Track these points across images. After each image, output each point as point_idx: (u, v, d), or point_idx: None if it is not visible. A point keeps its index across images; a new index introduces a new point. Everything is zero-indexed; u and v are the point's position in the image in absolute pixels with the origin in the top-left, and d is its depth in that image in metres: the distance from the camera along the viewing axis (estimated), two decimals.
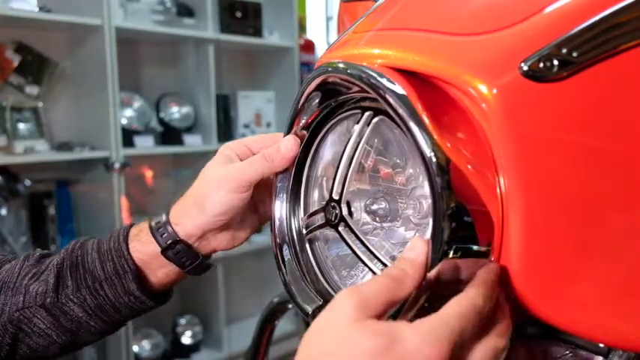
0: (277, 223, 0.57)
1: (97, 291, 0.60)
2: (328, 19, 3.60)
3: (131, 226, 0.63)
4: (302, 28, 3.27)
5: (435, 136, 0.40)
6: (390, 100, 0.41)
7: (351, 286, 0.38)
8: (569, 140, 0.39)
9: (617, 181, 0.40)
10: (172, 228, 0.59)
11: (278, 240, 0.57)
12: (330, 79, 0.49)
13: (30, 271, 0.62)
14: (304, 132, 0.55)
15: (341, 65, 0.46)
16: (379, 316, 0.37)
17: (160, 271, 0.61)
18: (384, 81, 0.42)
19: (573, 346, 0.49)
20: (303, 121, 0.54)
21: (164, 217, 0.60)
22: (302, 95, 0.52)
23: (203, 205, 0.58)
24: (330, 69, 0.48)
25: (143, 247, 0.60)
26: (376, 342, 0.35)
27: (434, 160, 0.39)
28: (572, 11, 0.39)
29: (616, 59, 0.38)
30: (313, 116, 0.53)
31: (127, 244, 0.60)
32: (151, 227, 0.60)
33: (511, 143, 0.39)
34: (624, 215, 0.40)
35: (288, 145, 0.55)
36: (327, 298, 0.53)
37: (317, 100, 0.52)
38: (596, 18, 0.38)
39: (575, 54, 0.38)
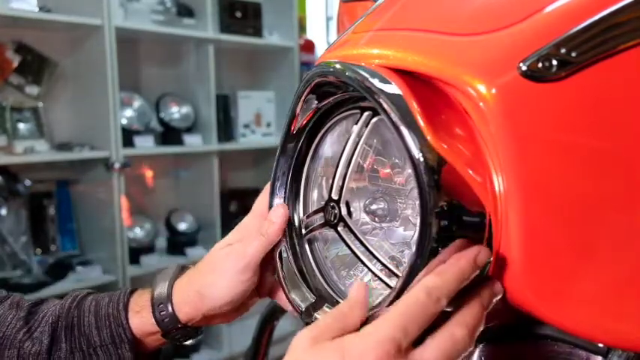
0: None
1: (91, 356, 0.60)
2: (328, 19, 3.61)
3: (131, 293, 0.62)
4: (302, 28, 3.27)
5: (429, 137, 0.40)
6: (382, 101, 0.41)
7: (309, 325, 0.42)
8: (568, 140, 0.39)
9: (617, 180, 0.40)
10: (175, 312, 0.59)
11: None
12: (325, 81, 0.49)
13: (24, 325, 0.61)
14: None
15: (337, 66, 0.46)
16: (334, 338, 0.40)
17: (156, 342, 0.62)
18: (375, 81, 0.42)
19: (573, 346, 0.49)
20: (301, 122, 0.54)
21: (165, 291, 0.59)
22: (298, 98, 0.52)
23: (205, 296, 0.57)
24: (324, 70, 0.48)
25: (143, 322, 0.60)
26: (333, 354, 0.38)
27: (422, 160, 0.39)
28: (571, 11, 0.39)
29: (615, 59, 0.38)
30: (309, 116, 0.53)
31: (126, 313, 0.60)
32: (152, 307, 0.60)
33: (510, 143, 0.39)
34: (623, 215, 0.40)
35: (277, 214, 0.55)
36: (323, 296, 0.53)
37: (314, 102, 0.52)
38: (595, 18, 0.38)
39: (573, 54, 0.38)
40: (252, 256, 0.56)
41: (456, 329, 0.39)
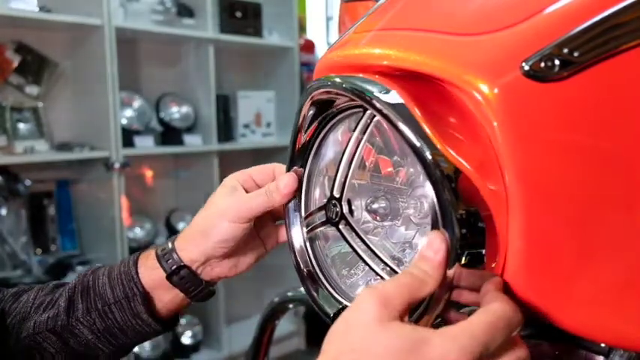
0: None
1: (107, 314, 0.62)
2: (328, 19, 3.60)
3: (142, 252, 0.65)
4: (302, 28, 3.27)
5: (438, 145, 0.40)
6: (389, 114, 0.42)
7: (372, 285, 0.40)
8: (570, 140, 0.39)
9: (619, 180, 0.40)
10: (177, 254, 0.61)
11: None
12: (327, 96, 0.49)
13: (44, 300, 0.65)
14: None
15: (336, 80, 0.47)
16: (402, 315, 0.38)
17: (166, 296, 0.62)
18: (375, 91, 0.43)
19: (574, 346, 0.49)
20: (305, 137, 0.55)
21: (170, 245, 0.62)
22: (299, 113, 0.53)
23: (207, 233, 0.60)
24: (322, 85, 0.48)
25: (150, 273, 0.62)
26: (402, 344, 0.36)
27: (438, 174, 0.40)
28: (573, 11, 0.39)
29: (617, 59, 0.38)
30: (312, 129, 0.54)
31: (136, 269, 0.62)
32: (157, 253, 0.62)
33: (512, 143, 0.39)
34: (626, 215, 0.40)
35: (287, 183, 0.57)
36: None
37: (316, 111, 0.52)
38: (598, 18, 0.38)
39: (576, 54, 0.38)
40: (253, 210, 0.58)
41: (520, 352, 0.39)
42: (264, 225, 0.64)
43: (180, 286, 0.61)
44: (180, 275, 0.61)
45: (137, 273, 0.62)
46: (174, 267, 0.61)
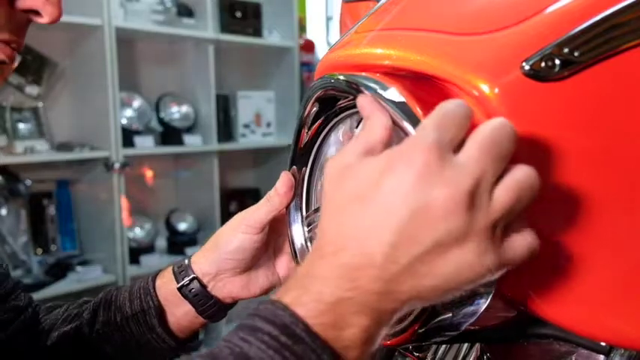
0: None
1: (124, 328, 0.63)
2: (328, 19, 3.60)
3: (164, 268, 0.66)
4: (302, 28, 3.27)
5: None
6: (392, 113, 0.42)
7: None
8: (571, 139, 0.39)
9: (619, 180, 0.40)
10: (191, 268, 0.62)
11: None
12: (330, 93, 0.49)
13: (72, 312, 0.67)
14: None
15: (340, 78, 0.47)
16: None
17: (178, 310, 0.63)
18: (377, 89, 0.43)
19: (574, 345, 0.49)
20: (308, 136, 0.55)
21: (186, 261, 0.64)
22: (303, 110, 0.53)
23: (218, 245, 0.61)
24: (326, 83, 0.48)
25: (165, 285, 0.63)
26: (379, 161, 0.37)
27: None
28: (573, 11, 0.39)
29: (618, 58, 0.38)
30: (315, 128, 0.54)
31: (154, 283, 0.64)
32: (174, 268, 0.64)
33: None
34: (625, 214, 0.40)
35: (282, 183, 0.57)
36: None
37: (319, 110, 0.53)
38: (598, 17, 0.38)
39: (576, 53, 0.38)
40: (259, 217, 0.59)
41: (523, 169, 0.36)
42: (278, 246, 0.64)
43: (190, 298, 0.62)
44: (190, 287, 0.61)
45: (154, 287, 0.63)
46: (186, 278, 0.62)
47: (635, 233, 0.40)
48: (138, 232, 2.46)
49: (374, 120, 0.40)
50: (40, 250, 2.27)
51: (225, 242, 0.60)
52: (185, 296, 0.62)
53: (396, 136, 0.41)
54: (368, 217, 0.36)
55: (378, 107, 0.41)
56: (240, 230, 0.59)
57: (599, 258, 0.41)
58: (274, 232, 0.62)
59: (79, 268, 2.25)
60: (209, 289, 0.62)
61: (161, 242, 2.59)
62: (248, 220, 0.59)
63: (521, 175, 0.36)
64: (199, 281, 0.61)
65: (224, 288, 0.62)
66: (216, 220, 2.60)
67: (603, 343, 0.46)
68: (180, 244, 2.55)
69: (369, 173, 0.37)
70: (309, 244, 0.57)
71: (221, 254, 0.60)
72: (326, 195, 0.39)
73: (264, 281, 0.63)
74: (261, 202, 0.59)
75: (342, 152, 0.40)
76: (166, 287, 0.63)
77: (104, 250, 2.29)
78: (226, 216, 2.68)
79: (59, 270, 2.21)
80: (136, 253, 2.37)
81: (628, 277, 0.41)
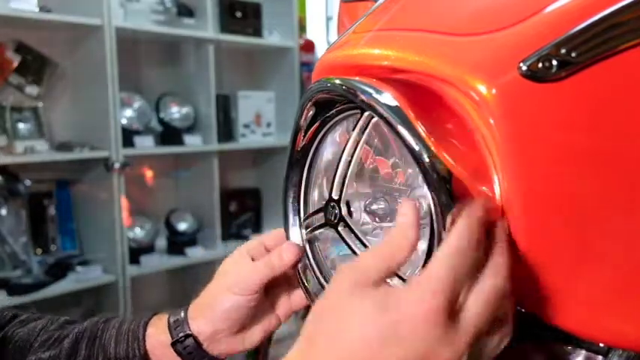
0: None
1: None
2: (328, 19, 3.60)
3: (158, 313, 0.64)
4: (302, 28, 3.27)
5: (433, 148, 0.40)
6: (388, 117, 0.42)
7: (350, 263, 0.40)
8: (569, 140, 0.39)
9: (617, 180, 0.40)
10: (187, 324, 0.61)
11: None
12: (327, 97, 0.49)
13: (51, 335, 0.63)
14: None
15: (336, 82, 0.47)
16: (378, 283, 0.38)
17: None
18: (372, 93, 0.43)
19: (573, 346, 0.49)
20: (306, 138, 0.55)
21: (182, 314, 0.62)
22: (300, 115, 0.53)
23: (212, 305, 0.60)
24: (322, 87, 0.48)
25: (156, 336, 0.61)
26: (373, 304, 0.37)
27: (434, 175, 0.40)
28: (571, 11, 0.39)
29: (615, 59, 0.38)
30: (313, 130, 0.54)
31: (144, 329, 0.62)
32: (169, 320, 0.62)
33: (510, 143, 0.39)
34: (624, 215, 0.40)
35: (289, 254, 0.57)
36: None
37: (316, 113, 0.53)
38: (596, 18, 0.38)
39: (574, 54, 0.38)
40: (254, 282, 0.58)
41: (494, 280, 0.38)
42: (276, 296, 0.63)
43: (184, 356, 0.60)
44: (185, 344, 0.60)
45: (144, 334, 0.61)
46: (181, 335, 0.60)
47: (634, 234, 0.40)
48: (138, 232, 2.46)
49: (405, 235, 0.40)
50: (40, 250, 2.27)
51: (220, 303, 0.59)
52: (179, 353, 0.60)
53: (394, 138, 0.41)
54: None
55: (416, 221, 0.40)
56: (235, 291, 0.58)
57: (598, 259, 0.41)
58: (272, 287, 0.61)
59: (79, 268, 2.25)
60: (204, 347, 0.60)
61: (161, 242, 2.59)
62: (240, 282, 0.58)
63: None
64: (195, 339, 0.60)
65: (220, 346, 0.61)
66: (216, 220, 2.60)
67: (602, 344, 0.46)
68: (180, 244, 2.55)
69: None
70: (307, 246, 0.57)
71: (217, 314, 0.59)
72: (328, 297, 0.40)
73: (260, 333, 0.62)
74: (260, 263, 0.58)
75: (363, 263, 0.40)
76: (157, 338, 0.61)
77: (104, 250, 2.29)
78: (226, 216, 2.68)
79: (59, 270, 2.21)
80: (136, 253, 2.37)
81: (627, 278, 0.41)
